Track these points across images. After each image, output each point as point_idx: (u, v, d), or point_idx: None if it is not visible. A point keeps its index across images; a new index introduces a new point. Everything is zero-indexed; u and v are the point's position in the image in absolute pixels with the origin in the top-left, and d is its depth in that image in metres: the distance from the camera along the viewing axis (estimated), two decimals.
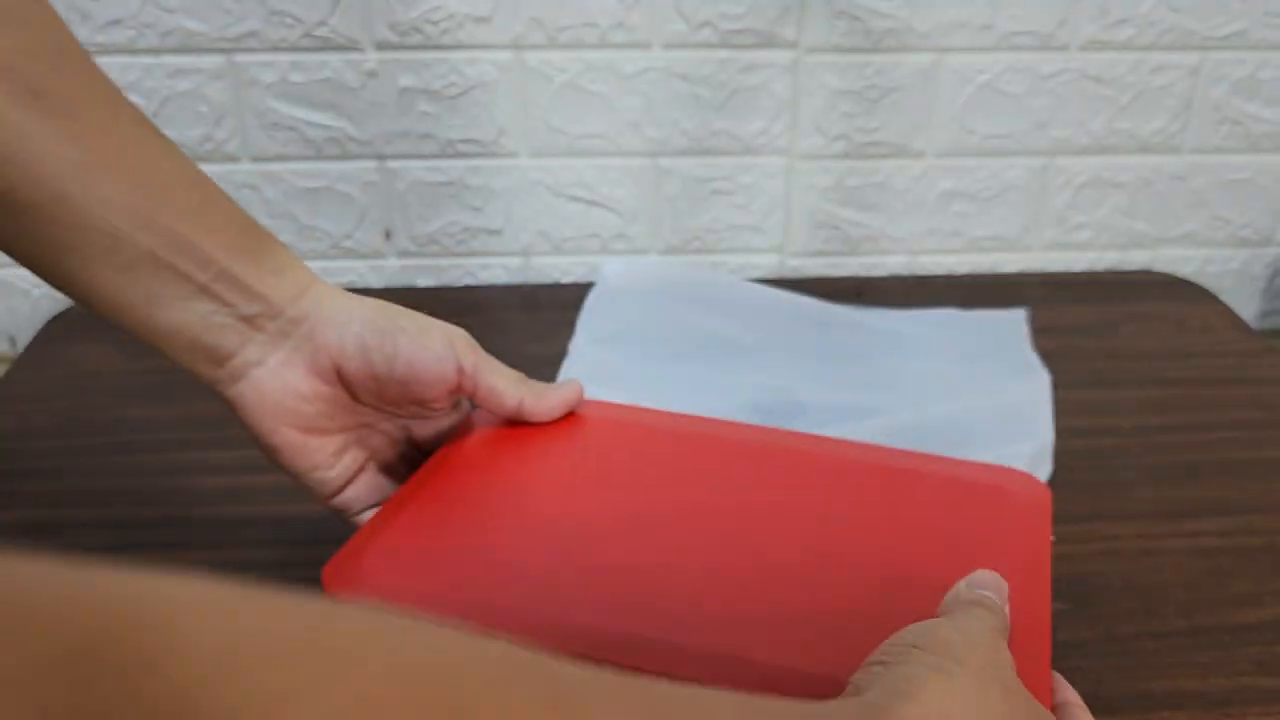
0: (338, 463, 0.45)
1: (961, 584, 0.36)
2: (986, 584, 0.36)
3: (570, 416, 0.49)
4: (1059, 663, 0.49)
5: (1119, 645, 0.50)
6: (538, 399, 0.47)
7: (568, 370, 0.69)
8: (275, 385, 0.43)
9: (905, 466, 0.45)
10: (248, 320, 0.42)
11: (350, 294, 0.45)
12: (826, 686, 0.32)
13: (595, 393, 0.56)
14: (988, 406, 0.65)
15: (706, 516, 0.43)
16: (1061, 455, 0.62)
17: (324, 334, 0.43)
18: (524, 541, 0.42)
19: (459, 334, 0.46)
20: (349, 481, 0.46)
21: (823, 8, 0.73)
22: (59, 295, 0.79)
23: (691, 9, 0.73)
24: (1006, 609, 0.35)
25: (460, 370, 0.45)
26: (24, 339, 0.80)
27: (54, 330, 0.76)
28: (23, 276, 0.79)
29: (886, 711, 0.28)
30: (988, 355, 0.71)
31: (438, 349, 0.44)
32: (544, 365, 0.70)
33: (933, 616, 0.34)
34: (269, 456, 0.45)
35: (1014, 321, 0.75)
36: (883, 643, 0.32)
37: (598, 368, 0.69)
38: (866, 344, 0.73)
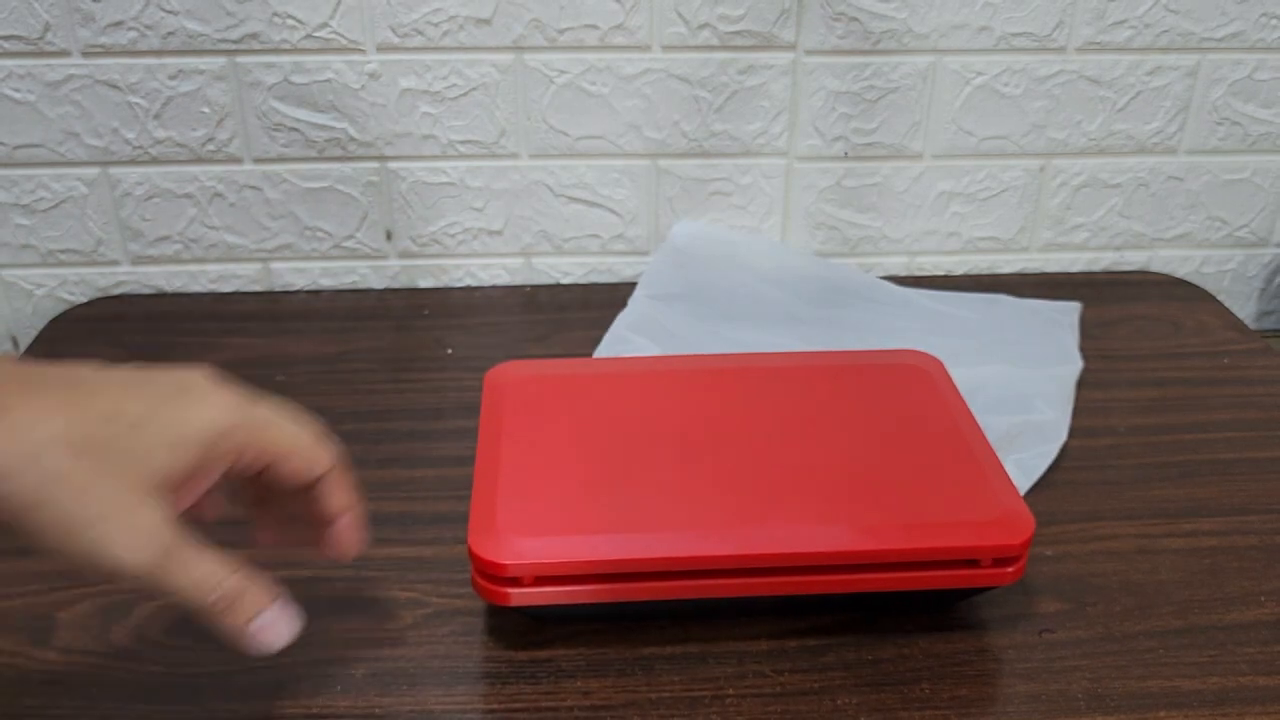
0: None
1: None
2: None
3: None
4: (1056, 663, 0.49)
5: (1116, 644, 0.50)
6: None
7: (621, 323, 0.73)
8: None
9: (838, 363, 0.59)
10: None
11: None
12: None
13: (643, 346, 0.71)
14: (1014, 375, 0.67)
15: (732, 435, 0.53)
16: (1058, 455, 0.62)
17: None
18: (615, 474, 0.51)
19: None
20: None
21: (821, 10, 0.74)
22: (62, 295, 0.79)
23: (691, 11, 0.73)
24: None
25: None
26: (26, 340, 0.80)
27: (56, 331, 0.76)
28: (25, 277, 0.79)
29: None
30: (1031, 339, 0.73)
31: None
32: None
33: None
34: None
35: (1065, 311, 0.76)
36: None
37: (649, 322, 0.73)
38: (913, 321, 0.75)
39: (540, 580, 0.46)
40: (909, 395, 0.56)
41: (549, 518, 0.48)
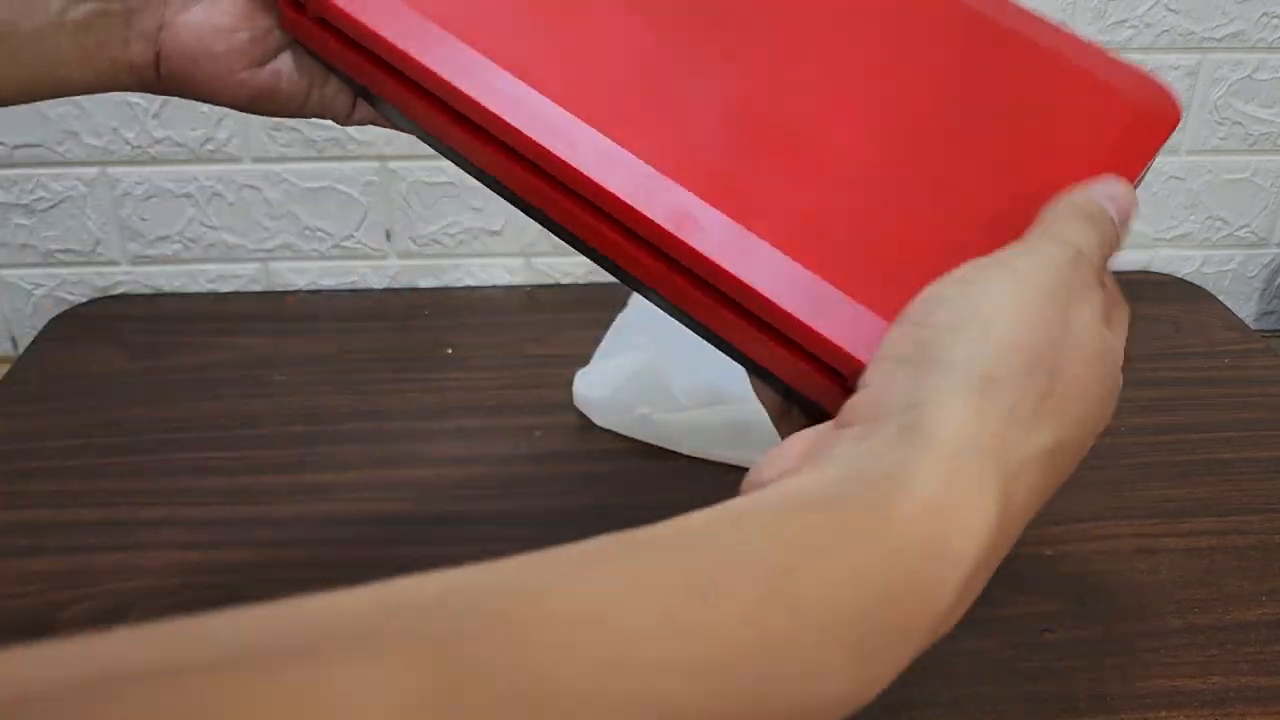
0: (308, 83, 0.40)
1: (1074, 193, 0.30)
2: (1107, 194, 0.30)
3: None
4: (1057, 663, 0.49)
5: (1117, 644, 0.50)
6: None
7: (621, 323, 0.72)
8: (192, 35, 0.37)
9: (1039, 42, 0.35)
10: None
11: None
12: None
13: (644, 346, 0.65)
14: None
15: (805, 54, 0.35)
16: None
17: None
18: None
19: None
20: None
21: None
22: (61, 295, 0.79)
23: None
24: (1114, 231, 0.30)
25: None
26: (25, 339, 0.80)
27: (55, 330, 0.76)
28: (25, 276, 0.79)
29: (884, 504, 0.23)
30: None
31: None
32: (544, 365, 0.70)
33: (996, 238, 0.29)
34: (255, 112, 0.40)
35: None
36: (909, 311, 0.26)
37: (649, 322, 0.71)
38: None
39: (323, 22, 0.36)
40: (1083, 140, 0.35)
41: None
